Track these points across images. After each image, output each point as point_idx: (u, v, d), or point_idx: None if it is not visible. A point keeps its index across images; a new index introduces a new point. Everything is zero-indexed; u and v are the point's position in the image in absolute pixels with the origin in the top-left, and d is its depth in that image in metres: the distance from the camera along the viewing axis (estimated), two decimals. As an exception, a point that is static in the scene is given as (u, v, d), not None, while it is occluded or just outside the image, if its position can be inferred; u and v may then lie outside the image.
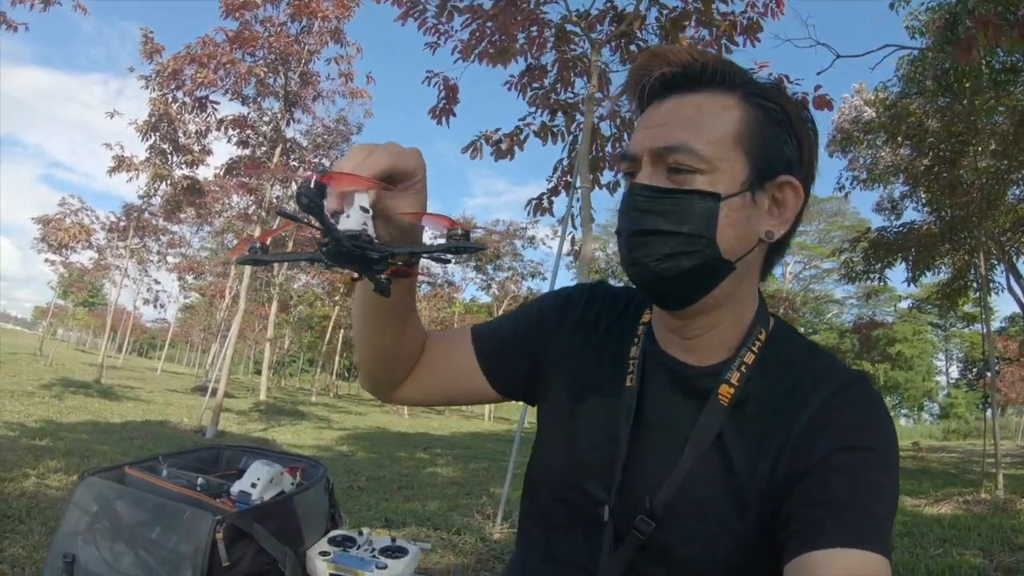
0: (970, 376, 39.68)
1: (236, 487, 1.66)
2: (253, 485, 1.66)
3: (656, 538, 0.83)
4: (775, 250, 0.88)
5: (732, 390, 0.85)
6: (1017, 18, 4.22)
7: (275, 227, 0.81)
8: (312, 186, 0.66)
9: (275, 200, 14.06)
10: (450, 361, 1.05)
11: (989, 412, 10.65)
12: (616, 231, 0.86)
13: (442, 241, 0.73)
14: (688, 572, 0.83)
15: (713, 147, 0.79)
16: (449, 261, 0.76)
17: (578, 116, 5.83)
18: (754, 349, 0.87)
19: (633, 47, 5.57)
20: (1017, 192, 10.88)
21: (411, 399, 1.09)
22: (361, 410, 25.38)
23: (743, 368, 0.86)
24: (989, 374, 9.56)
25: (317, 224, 0.67)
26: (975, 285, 11.28)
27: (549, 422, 0.99)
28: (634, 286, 0.88)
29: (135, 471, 1.66)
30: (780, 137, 0.83)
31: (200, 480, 1.71)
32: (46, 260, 23.16)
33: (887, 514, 0.72)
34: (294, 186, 13.20)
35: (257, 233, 12.09)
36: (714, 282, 0.82)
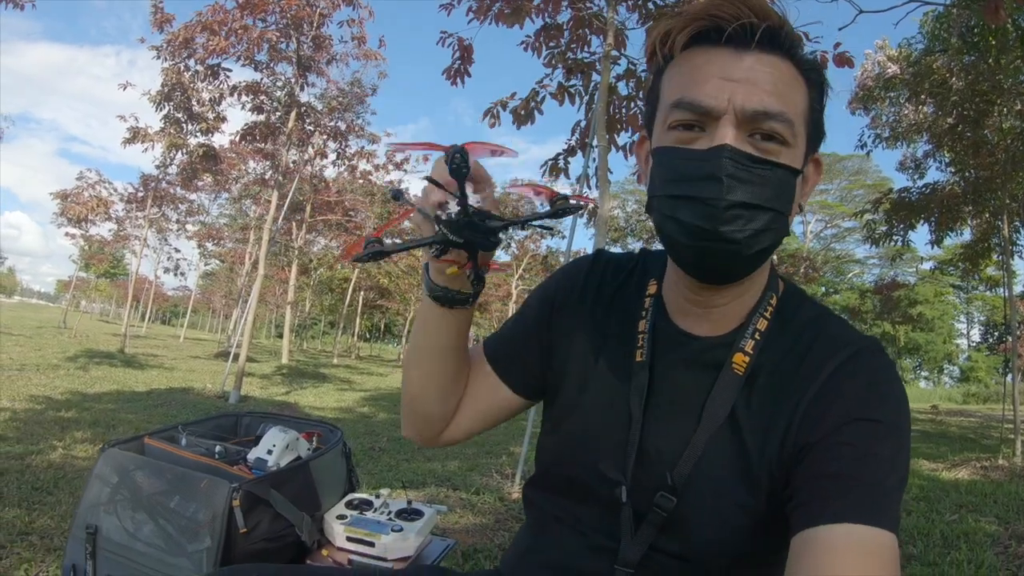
0: (991, 340, 39.25)
1: (252, 454, 1.69)
2: (269, 452, 1.68)
3: (676, 514, 0.83)
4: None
5: (747, 359, 0.84)
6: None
7: (391, 219, 0.94)
8: (460, 152, 0.72)
9: (291, 165, 14.05)
10: (477, 387, 1.04)
11: (1009, 377, 10.52)
12: (681, 195, 0.77)
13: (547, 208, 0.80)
14: (704, 547, 0.83)
15: (796, 120, 0.77)
16: (553, 228, 0.82)
17: (595, 76, 5.74)
18: (766, 315, 0.86)
19: (651, 4, 5.45)
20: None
21: (456, 437, 1.06)
22: (382, 371, 25.58)
23: (757, 336, 0.85)
24: (1010, 338, 9.44)
25: (451, 194, 0.75)
26: (998, 248, 11.09)
27: (559, 401, 0.98)
28: (680, 254, 0.82)
29: (154, 441, 1.70)
30: (821, 114, 0.83)
31: (218, 448, 1.75)
32: (66, 234, 23.40)
33: (895, 488, 0.72)
34: (311, 150, 13.22)
35: (274, 199, 12.25)
36: (771, 255, 0.82)
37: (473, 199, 0.77)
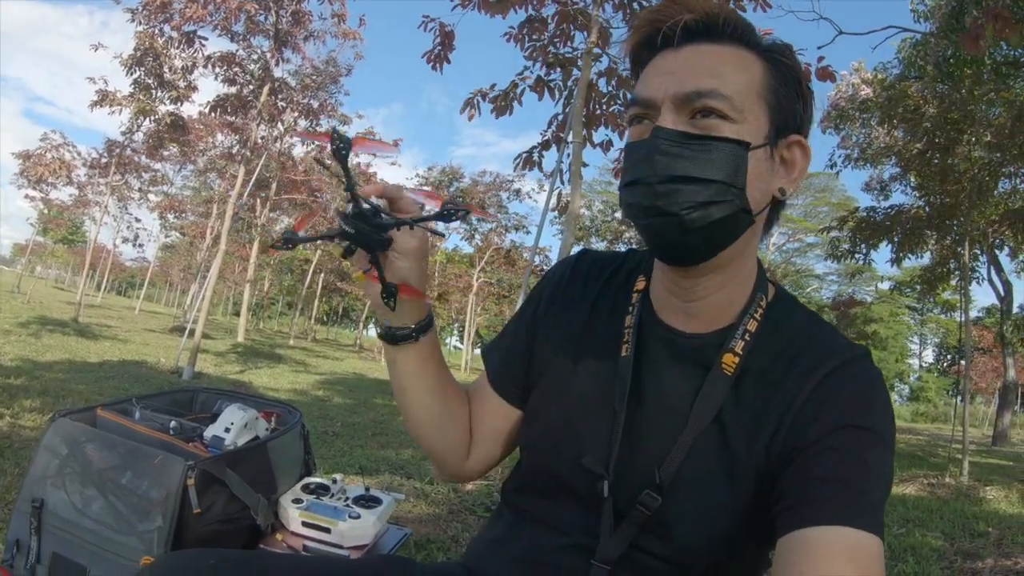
0: (944, 362, 40.37)
1: (209, 431, 1.63)
2: (227, 430, 1.63)
3: (660, 513, 0.82)
4: (774, 212, 0.87)
5: (736, 359, 0.83)
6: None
7: (305, 216, 0.99)
8: (341, 138, 0.74)
9: (260, 140, 13.81)
10: (483, 408, 1.03)
11: (959, 399, 10.86)
12: (628, 182, 0.80)
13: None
14: (687, 546, 0.83)
15: (739, 97, 0.78)
16: (443, 234, 0.82)
17: (575, 71, 5.73)
18: (756, 316, 0.86)
19: (636, 4, 5.45)
20: (1007, 186, 10.95)
21: (478, 468, 1.05)
22: (339, 355, 25.42)
23: (747, 336, 0.84)
24: (963, 362, 9.73)
25: (343, 178, 0.76)
26: (957, 273, 11.39)
27: (542, 395, 0.97)
28: (647, 239, 0.83)
29: (107, 413, 1.62)
30: (792, 96, 0.83)
31: (173, 423, 1.68)
32: (26, 196, 22.85)
33: (881, 494, 0.73)
34: (280, 126, 13.04)
35: (240, 174, 12.05)
36: (736, 235, 0.80)
37: (378, 203, 0.81)
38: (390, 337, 0.92)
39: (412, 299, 0.86)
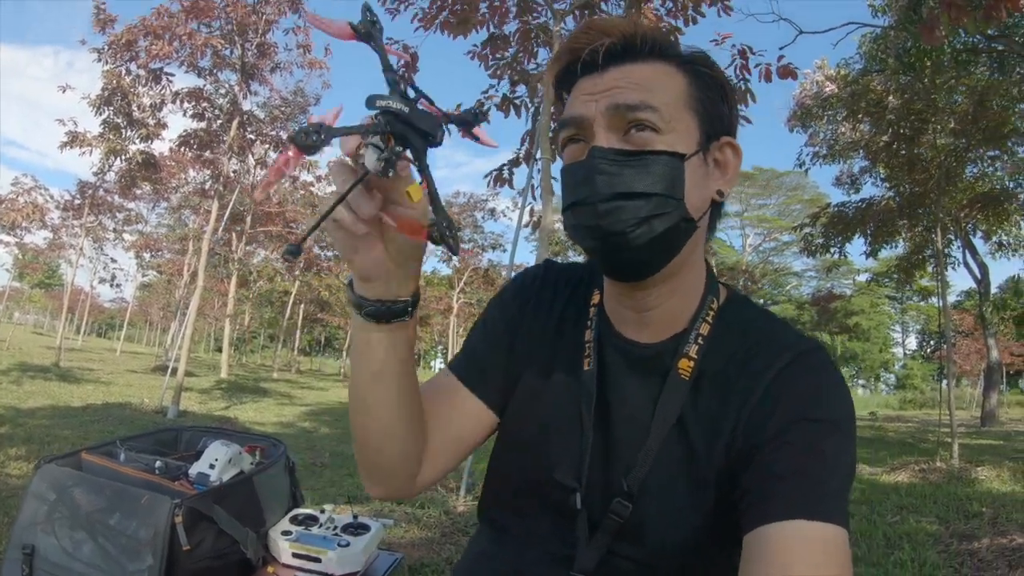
0: (927, 349, 40.85)
1: (194, 469, 1.63)
2: (211, 466, 1.63)
3: (632, 520, 0.83)
4: (715, 214, 0.88)
5: (692, 363, 0.84)
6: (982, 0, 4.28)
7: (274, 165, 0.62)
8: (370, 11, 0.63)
9: (232, 175, 13.76)
10: (447, 412, 0.95)
11: (944, 383, 10.99)
12: (570, 204, 0.81)
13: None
14: (660, 549, 0.84)
15: (668, 109, 0.79)
16: (495, 144, 0.76)
17: (540, 87, 5.77)
18: (708, 319, 0.87)
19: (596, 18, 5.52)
20: (974, 170, 11.15)
21: (433, 478, 0.95)
22: (323, 385, 25.24)
23: (700, 340, 0.85)
24: (945, 346, 9.85)
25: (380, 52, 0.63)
26: (932, 260, 11.55)
27: (513, 411, 0.97)
28: (594, 259, 0.84)
29: (92, 456, 1.62)
30: (717, 100, 0.84)
31: (158, 463, 1.68)
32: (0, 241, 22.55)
33: (843, 485, 0.73)
34: (251, 158, 12.87)
35: (214, 209, 11.97)
36: (680, 245, 0.82)
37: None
38: (383, 314, 0.75)
39: (418, 241, 0.68)
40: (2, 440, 6.44)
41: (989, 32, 8.29)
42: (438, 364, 50.28)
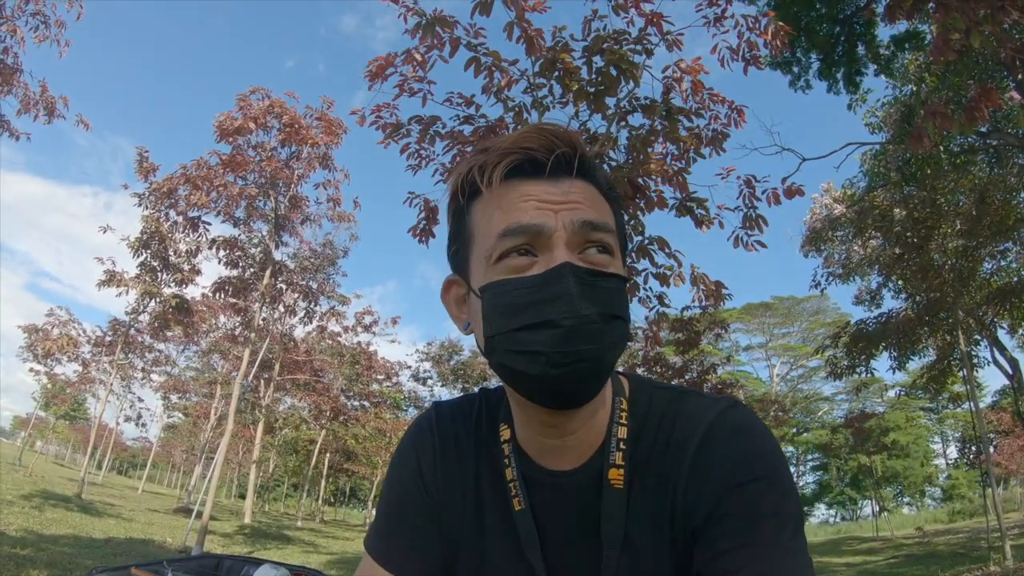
0: (969, 455, 39.19)
1: (246, 586, 1.68)
2: (262, 586, 1.68)
3: None
4: None
5: (621, 471, 0.82)
6: (966, 102, 4.56)
7: None
8: None
9: (262, 322, 14.10)
10: None
11: (989, 489, 10.61)
12: (534, 323, 0.72)
13: None
14: None
15: (615, 232, 0.79)
16: None
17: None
18: (622, 422, 0.84)
19: (605, 167, 5.84)
20: (989, 266, 11.23)
21: None
22: (348, 535, 24.59)
23: (621, 446, 0.83)
24: (983, 450, 9.59)
25: None
26: (959, 363, 11.43)
27: (462, 563, 0.91)
28: (527, 388, 0.77)
29: (142, 572, 1.69)
30: (623, 226, 0.85)
31: (206, 582, 1.73)
32: (30, 370, 23.02)
33: (792, 530, 0.72)
34: (281, 307, 13.12)
35: (245, 356, 12.12)
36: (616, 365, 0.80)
37: None
38: None
39: None
40: (24, 561, 6.43)
41: (981, 130, 8.63)
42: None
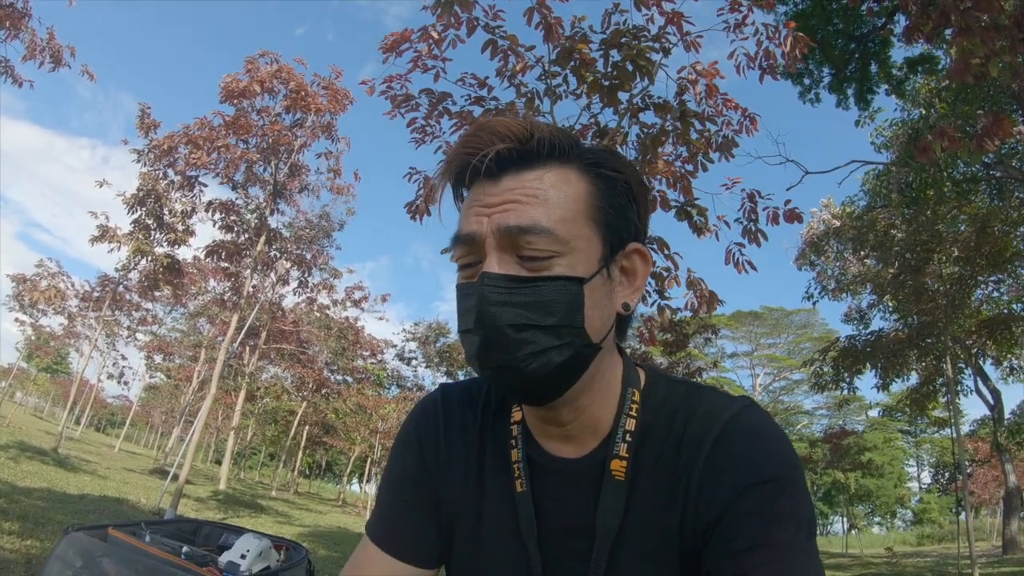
0: (942, 481, 39.65)
1: (225, 556, 1.65)
2: (243, 556, 1.64)
3: None
4: (623, 325, 0.84)
5: (624, 463, 0.81)
6: (976, 131, 4.56)
7: None
8: None
9: (252, 288, 14.03)
10: None
11: (963, 515, 10.72)
12: (462, 330, 0.76)
13: None
14: None
15: (566, 225, 0.74)
16: None
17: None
18: (632, 413, 0.83)
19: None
20: (981, 295, 11.31)
21: None
22: (321, 508, 24.70)
23: (628, 437, 0.82)
24: (960, 477, 9.66)
25: None
26: (943, 389, 11.51)
27: (457, 552, 0.91)
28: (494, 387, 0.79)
29: (119, 533, 1.64)
30: (624, 205, 0.80)
31: (185, 549, 1.70)
32: (16, 320, 22.94)
33: (806, 532, 0.72)
34: (273, 275, 13.20)
35: (233, 322, 12.09)
36: (582, 370, 0.78)
37: None
38: None
39: None
40: (-3, 513, 6.33)
41: (986, 160, 8.66)
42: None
